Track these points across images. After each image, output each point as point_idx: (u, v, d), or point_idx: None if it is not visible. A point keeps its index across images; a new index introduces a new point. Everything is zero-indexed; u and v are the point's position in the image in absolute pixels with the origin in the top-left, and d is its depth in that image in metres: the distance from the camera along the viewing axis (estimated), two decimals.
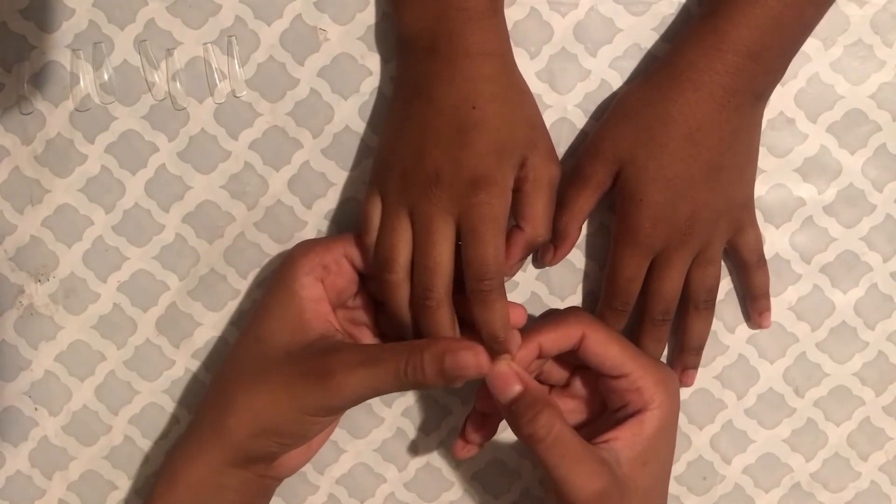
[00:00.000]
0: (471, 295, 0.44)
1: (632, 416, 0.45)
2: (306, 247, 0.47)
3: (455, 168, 0.43)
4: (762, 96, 0.48)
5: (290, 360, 0.44)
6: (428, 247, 0.44)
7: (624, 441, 0.44)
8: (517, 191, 0.45)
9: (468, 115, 0.44)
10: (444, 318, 0.44)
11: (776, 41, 0.46)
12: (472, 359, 0.42)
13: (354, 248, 0.47)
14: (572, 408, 0.49)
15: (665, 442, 0.46)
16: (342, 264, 0.47)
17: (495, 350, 0.44)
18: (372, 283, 0.48)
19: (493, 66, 0.45)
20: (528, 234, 0.45)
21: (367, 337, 0.49)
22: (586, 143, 0.50)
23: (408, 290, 0.45)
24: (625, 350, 0.45)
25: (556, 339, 0.45)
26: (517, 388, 0.43)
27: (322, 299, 0.46)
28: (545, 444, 0.42)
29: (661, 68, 0.48)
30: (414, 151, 0.45)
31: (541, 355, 0.46)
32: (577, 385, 0.49)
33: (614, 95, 0.51)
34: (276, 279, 0.47)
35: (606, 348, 0.45)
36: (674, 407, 0.46)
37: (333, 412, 0.45)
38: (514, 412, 0.43)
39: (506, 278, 0.45)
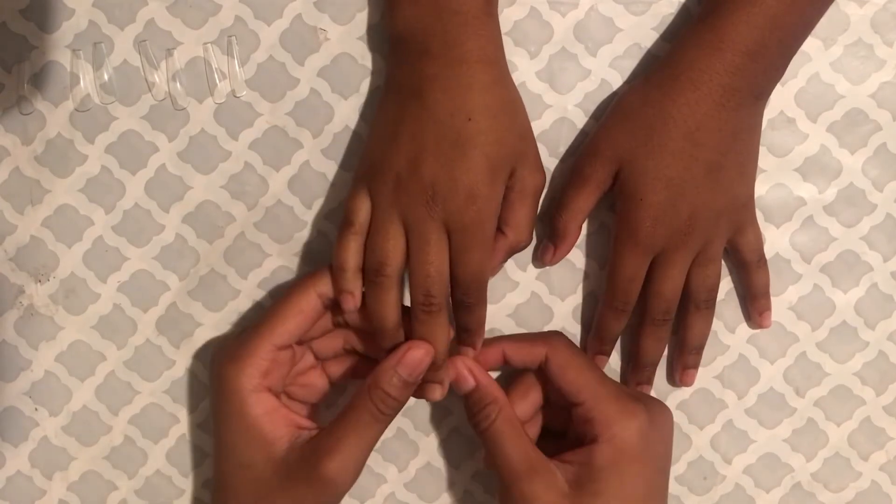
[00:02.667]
0: (455, 303, 0.46)
1: (585, 444, 0.45)
2: (237, 364, 0.45)
3: (451, 183, 0.44)
4: (762, 96, 0.48)
5: (281, 477, 0.45)
6: (428, 255, 0.45)
7: (571, 468, 0.45)
8: (503, 199, 0.46)
9: (464, 128, 0.44)
10: (443, 321, 0.46)
11: (775, 40, 0.45)
12: (420, 351, 0.45)
13: (323, 282, 0.46)
14: (551, 416, 0.50)
15: (623, 478, 0.45)
16: (279, 356, 0.46)
17: (464, 340, 0.48)
18: (337, 310, 0.47)
19: (488, 75, 0.45)
20: (511, 239, 0.47)
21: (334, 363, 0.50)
22: (586, 142, 0.50)
23: (397, 294, 0.46)
24: (583, 378, 0.46)
25: (519, 351, 0.48)
26: (471, 383, 0.47)
27: (274, 407, 0.46)
28: (487, 431, 0.46)
29: (660, 68, 0.48)
30: (409, 159, 0.45)
31: (506, 362, 0.48)
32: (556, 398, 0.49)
33: (614, 95, 0.51)
34: (220, 407, 0.46)
35: (564, 373, 0.47)
36: (631, 443, 0.45)
37: (345, 493, 0.46)
38: (467, 404, 0.47)
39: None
